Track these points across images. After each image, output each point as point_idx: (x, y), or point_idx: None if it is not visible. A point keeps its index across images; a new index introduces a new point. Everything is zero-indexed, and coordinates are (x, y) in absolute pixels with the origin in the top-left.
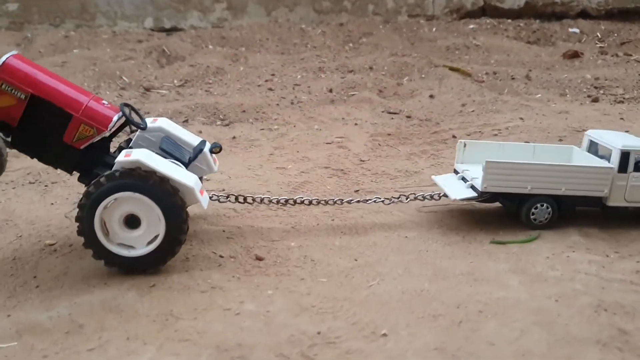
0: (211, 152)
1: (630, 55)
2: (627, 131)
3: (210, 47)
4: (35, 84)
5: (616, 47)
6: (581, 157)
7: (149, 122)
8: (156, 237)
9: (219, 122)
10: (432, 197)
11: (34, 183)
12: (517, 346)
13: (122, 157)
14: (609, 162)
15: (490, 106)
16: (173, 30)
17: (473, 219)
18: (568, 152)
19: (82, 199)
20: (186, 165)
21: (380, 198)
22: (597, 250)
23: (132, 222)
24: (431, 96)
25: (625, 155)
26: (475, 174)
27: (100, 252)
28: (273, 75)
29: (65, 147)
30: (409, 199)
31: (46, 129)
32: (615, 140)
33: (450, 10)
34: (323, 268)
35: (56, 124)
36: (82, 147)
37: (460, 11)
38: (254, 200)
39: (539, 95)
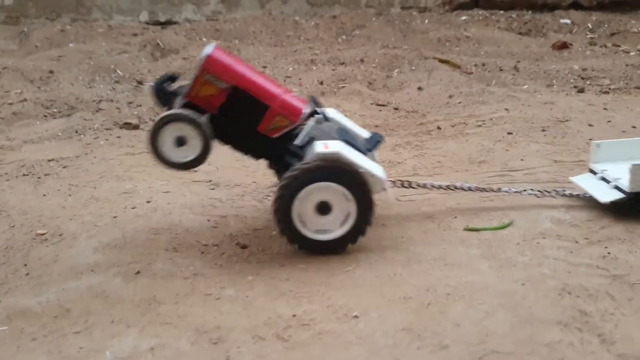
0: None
1: (619, 46)
2: None
3: (204, 39)
4: (237, 76)
5: (606, 38)
6: None
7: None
8: (345, 222)
9: None
10: (578, 195)
11: (27, 175)
12: (481, 327)
13: (321, 149)
14: None
15: (477, 97)
16: (168, 23)
17: (449, 207)
18: None
19: (283, 186)
20: (364, 155)
21: (534, 190)
22: (567, 237)
23: (324, 208)
24: (419, 88)
25: None
26: (617, 173)
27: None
28: (265, 67)
29: (259, 135)
30: (558, 194)
31: (243, 118)
32: None
33: (443, 1)
34: (303, 255)
35: (253, 114)
36: (274, 135)
37: (453, 3)
38: (418, 185)
39: (526, 86)
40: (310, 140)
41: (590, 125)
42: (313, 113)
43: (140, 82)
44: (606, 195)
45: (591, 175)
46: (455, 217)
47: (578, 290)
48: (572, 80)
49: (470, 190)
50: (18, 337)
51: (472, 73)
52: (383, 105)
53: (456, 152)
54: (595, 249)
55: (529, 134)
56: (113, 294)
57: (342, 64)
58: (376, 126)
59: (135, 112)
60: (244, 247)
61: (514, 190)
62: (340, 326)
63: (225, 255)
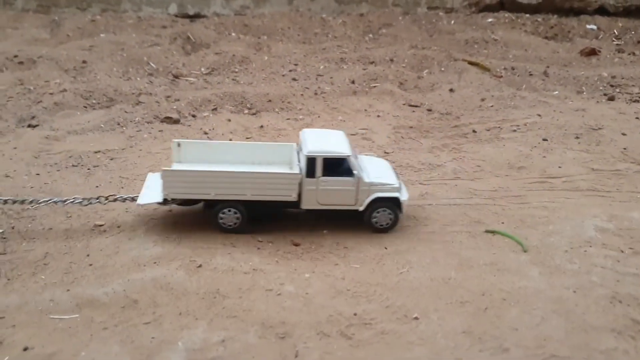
0: None
1: None
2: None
3: (234, 34)
4: None
5: (633, 45)
6: (294, 157)
7: None
8: None
9: (246, 111)
10: (133, 199)
11: (76, 166)
12: (537, 332)
13: None
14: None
15: (508, 102)
16: (196, 16)
17: (494, 213)
18: (288, 151)
19: None
20: None
21: (78, 198)
22: (612, 245)
23: None
24: (451, 90)
25: (311, 161)
26: None
27: None
28: (296, 65)
29: None
30: (108, 200)
31: None
32: (309, 145)
33: (469, 3)
34: (355, 255)
35: None
36: None
37: (479, 4)
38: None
39: (556, 92)
40: None
41: (623, 134)
42: None
43: (176, 77)
44: (145, 198)
45: None
46: (502, 223)
47: (628, 299)
48: (601, 88)
49: (7, 203)
50: (89, 326)
51: (502, 77)
52: (416, 106)
53: (494, 157)
54: None
55: (563, 141)
56: (178, 287)
57: (372, 63)
58: (411, 127)
59: (174, 107)
60: (296, 244)
61: (57, 200)
62: (401, 327)
63: (281, 252)
